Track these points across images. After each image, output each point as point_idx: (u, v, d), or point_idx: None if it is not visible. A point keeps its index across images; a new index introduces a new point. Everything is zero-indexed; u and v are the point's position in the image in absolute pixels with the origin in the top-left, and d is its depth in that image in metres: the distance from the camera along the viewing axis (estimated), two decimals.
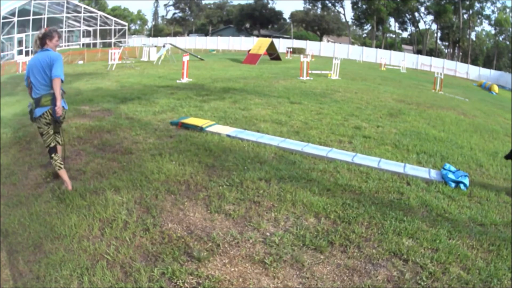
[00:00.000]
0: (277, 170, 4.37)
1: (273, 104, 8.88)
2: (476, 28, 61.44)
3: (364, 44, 64.03)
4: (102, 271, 2.50)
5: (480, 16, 58.23)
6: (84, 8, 42.53)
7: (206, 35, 64.11)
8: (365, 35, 73.21)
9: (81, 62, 22.89)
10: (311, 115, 7.89)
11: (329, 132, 6.46)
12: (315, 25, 66.74)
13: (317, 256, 2.74)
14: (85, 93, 10.25)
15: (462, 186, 4.34)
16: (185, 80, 13.50)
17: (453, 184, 4.36)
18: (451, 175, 4.47)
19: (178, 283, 2.40)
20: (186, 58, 13.92)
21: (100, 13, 44.57)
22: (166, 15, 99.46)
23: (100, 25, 44.56)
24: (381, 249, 2.87)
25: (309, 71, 17.03)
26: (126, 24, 49.17)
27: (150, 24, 78.95)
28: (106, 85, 12.18)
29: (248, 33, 66.93)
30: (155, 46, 26.96)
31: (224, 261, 2.65)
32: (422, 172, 4.68)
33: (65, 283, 2.40)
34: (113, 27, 45.82)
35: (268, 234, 2.98)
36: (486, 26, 78.55)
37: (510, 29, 55.22)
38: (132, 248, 2.77)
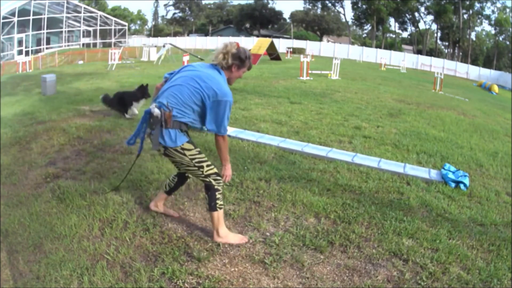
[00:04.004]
0: (277, 170, 4.37)
1: (273, 104, 8.88)
2: (476, 28, 61.48)
3: (364, 44, 64.05)
4: (102, 271, 2.50)
5: (480, 16, 58.23)
6: (84, 8, 42.51)
7: (206, 35, 64.11)
8: (365, 35, 73.26)
9: (81, 62, 22.91)
10: (311, 115, 7.89)
11: (329, 132, 6.46)
12: (315, 25, 66.74)
13: (317, 256, 2.73)
14: (85, 93, 10.26)
15: (462, 186, 4.34)
16: None
17: (453, 184, 4.35)
18: (451, 175, 4.47)
19: (178, 283, 2.40)
20: (186, 58, 13.95)
21: (100, 13, 44.54)
22: (166, 15, 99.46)
23: (100, 25, 44.54)
24: (381, 249, 2.87)
25: (309, 71, 17.03)
26: (126, 24, 49.15)
27: (150, 24, 79.01)
28: (106, 85, 12.19)
29: (248, 33, 66.92)
30: (155, 46, 26.95)
31: (224, 261, 2.65)
32: (422, 172, 4.68)
33: (65, 283, 2.40)
34: (113, 27, 45.80)
35: (268, 234, 2.98)
36: (486, 26, 78.54)
37: (510, 29, 55.27)
38: (132, 248, 2.77)
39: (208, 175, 2.71)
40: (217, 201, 2.72)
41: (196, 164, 2.67)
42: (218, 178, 2.74)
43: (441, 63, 46.47)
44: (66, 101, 8.92)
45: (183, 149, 2.63)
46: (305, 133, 6.24)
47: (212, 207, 2.73)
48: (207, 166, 2.71)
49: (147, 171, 4.24)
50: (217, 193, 2.72)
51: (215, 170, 2.73)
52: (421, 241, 3.03)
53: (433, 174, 4.66)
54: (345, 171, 4.53)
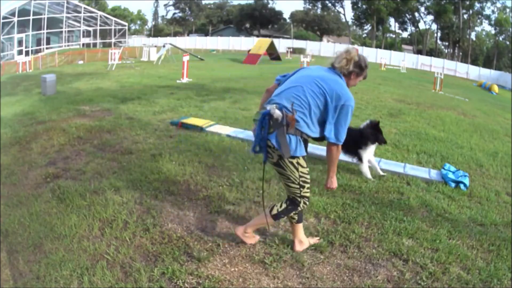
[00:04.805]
0: None
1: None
2: (476, 28, 61.30)
3: (364, 44, 64.04)
4: (102, 271, 2.50)
5: (480, 16, 58.21)
6: (84, 8, 42.48)
7: (206, 35, 64.11)
8: (365, 35, 73.27)
9: (81, 62, 22.90)
10: None
11: None
12: (315, 25, 66.78)
13: (317, 256, 2.73)
14: (85, 93, 10.26)
15: (462, 186, 4.34)
16: (185, 80, 13.53)
17: (453, 184, 4.35)
18: (451, 175, 4.47)
19: (178, 283, 2.40)
20: (186, 58, 13.95)
21: (100, 13, 44.51)
22: (166, 15, 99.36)
23: (100, 25, 44.51)
24: (381, 249, 2.87)
25: None
26: (126, 24, 49.10)
27: (150, 24, 78.95)
28: (106, 85, 12.19)
29: (248, 33, 66.94)
30: (155, 46, 26.95)
31: (224, 261, 2.65)
32: (422, 172, 4.68)
33: (65, 283, 2.40)
34: (113, 27, 45.78)
35: (268, 234, 2.98)
36: (486, 26, 78.02)
37: (510, 29, 55.26)
38: (132, 248, 2.78)
39: (303, 197, 2.58)
40: (285, 217, 2.67)
41: (301, 183, 2.52)
42: (307, 202, 2.64)
43: (441, 63, 46.44)
44: (66, 101, 8.89)
45: (298, 163, 2.46)
46: None
47: (276, 217, 2.64)
48: (307, 188, 2.58)
49: (147, 171, 4.24)
50: (294, 212, 2.64)
51: (309, 193, 2.63)
52: (421, 241, 3.03)
53: (433, 174, 4.66)
54: (345, 171, 4.53)
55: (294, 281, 2.47)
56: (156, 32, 70.70)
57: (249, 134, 5.83)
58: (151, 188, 3.79)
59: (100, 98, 9.18)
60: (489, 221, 3.52)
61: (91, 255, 2.70)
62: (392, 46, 62.04)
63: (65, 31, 41.26)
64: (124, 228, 3.06)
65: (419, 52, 58.82)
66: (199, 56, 27.35)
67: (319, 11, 67.47)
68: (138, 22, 77.31)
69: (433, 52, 59.34)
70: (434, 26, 63.48)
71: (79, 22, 42.84)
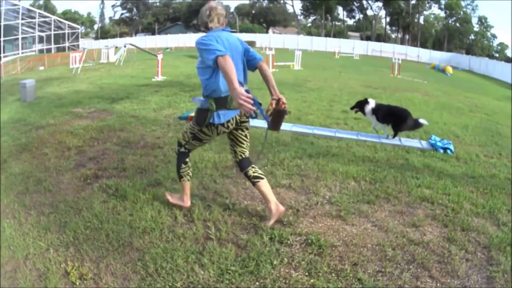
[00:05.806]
0: (303, 149, 5.09)
1: (260, 96, 9.42)
2: (425, 12, 62.41)
3: (309, 33, 65.79)
4: (216, 250, 2.71)
5: (429, 1, 59.32)
6: (39, 13, 40.02)
7: (153, 33, 62.97)
8: (310, 24, 74.97)
9: (42, 68, 22.03)
10: (298, 103, 8.66)
11: (324, 116, 7.30)
12: (261, 17, 67.83)
13: (372, 207, 3.51)
14: (68, 97, 10.01)
15: (449, 151, 5.38)
16: (160, 78, 13.74)
17: (441, 150, 5.38)
18: (439, 144, 5.50)
19: (288, 243, 2.83)
20: (160, 57, 14.19)
21: (54, 17, 42.19)
22: (114, 16, 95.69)
23: (54, 30, 42.19)
24: (412, 197, 3.72)
25: (274, 63, 17.80)
26: (79, 27, 47.09)
27: (96, 26, 75.84)
28: (83, 88, 11.89)
29: (196, 30, 66.55)
30: (116, 47, 26.40)
31: (309, 220, 3.21)
32: (415, 143, 5.68)
33: (186, 270, 2.51)
34: (66, 31, 43.72)
35: (327, 197, 3.69)
36: (436, 10, 77.53)
37: (461, 12, 56.09)
38: (229, 225, 3.04)
39: None
40: None
41: None
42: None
43: (391, 48, 48.15)
44: (53, 105, 8.64)
45: None
46: (305, 119, 7.02)
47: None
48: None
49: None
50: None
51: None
52: (437, 190, 3.94)
53: (424, 144, 5.67)
54: (356, 146, 5.38)
55: (367, 225, 3.19)
56: (103, 33, 68.20)
57: (260, 121, 6.35)
58: (205, 175, 4.08)
59: (87, 100, 9.04)
60: (477, 175, 4.55)
61: (192, 239, 2.84)
62: (339, 33, 63.77)
63: (20, 38, 38.54)
64: (207, 210, 3.28)
65: (367, 38, 60.79)
66: (156, 54, 27.14)
67: (265, 3, 68.55)
68: (89, 24, 74.24)
69: (380, 38, 61.38)
70: (382, 12, 65.06)
71: (33, 28, 40.21)
